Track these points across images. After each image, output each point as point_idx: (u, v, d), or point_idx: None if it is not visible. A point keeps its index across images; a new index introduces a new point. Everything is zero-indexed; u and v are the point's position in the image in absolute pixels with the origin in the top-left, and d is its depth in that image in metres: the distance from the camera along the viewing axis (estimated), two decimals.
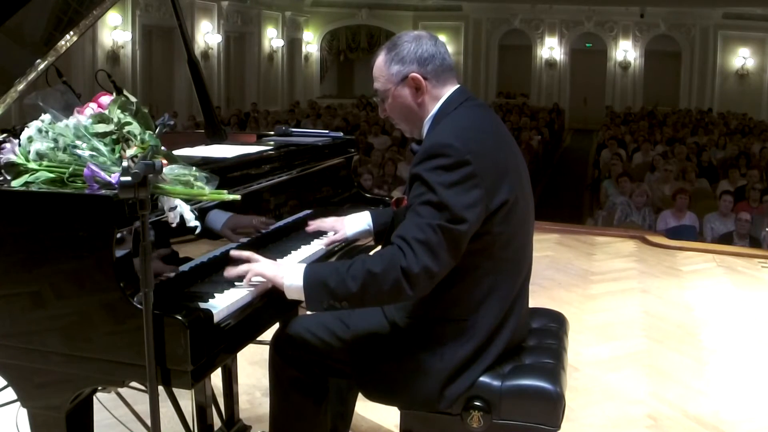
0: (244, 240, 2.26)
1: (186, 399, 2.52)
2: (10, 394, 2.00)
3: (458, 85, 2.12)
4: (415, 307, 2.06)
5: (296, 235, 2.53)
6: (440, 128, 2.04)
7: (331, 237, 2.49)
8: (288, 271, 1.99)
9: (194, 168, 1.86)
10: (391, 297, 1.92)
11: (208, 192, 1.84)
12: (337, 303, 1.94)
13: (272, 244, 2.41)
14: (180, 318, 1.67)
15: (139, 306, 1.67)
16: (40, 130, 1.84)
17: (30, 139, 1.84)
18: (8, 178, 1.84)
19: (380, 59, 2.11)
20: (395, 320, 2.08)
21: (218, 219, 2.15)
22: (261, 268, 2.01)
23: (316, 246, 2.46)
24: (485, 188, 1.94)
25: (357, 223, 2.51)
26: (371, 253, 2.13)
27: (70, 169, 1.79)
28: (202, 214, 2.01)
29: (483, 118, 2.10)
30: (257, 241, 2.33)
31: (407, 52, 2.06)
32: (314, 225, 2.50)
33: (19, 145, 1.85)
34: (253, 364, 3.67)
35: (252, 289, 1.98)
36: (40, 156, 1.82)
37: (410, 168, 2.01)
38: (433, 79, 2.08)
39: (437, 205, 1.90)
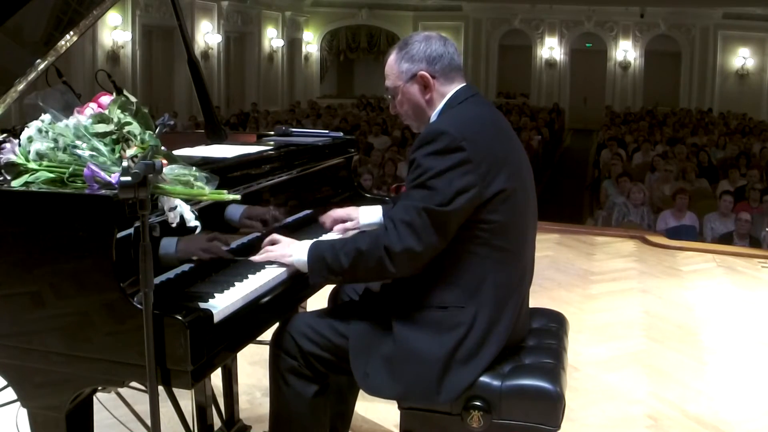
0: (243, 241, 2.26)
1: (186, 399, 2.51)
2: (10, 394, 2.00)
3: (465, 83, 2.18)
4: (413, 296, 2.08)
5: (308, 229, 2.58)
6: (440, 119, 2.13)
7: (347, 224, 2.57)
8: (296, 249, 2.16)
9: (194, 168, 1.86)
10: (377, 274, 2.06)
11: (208, 192, 1.84)
12: (333, 276, 2.11)
13: None
14: (180, 318, 1.67)
15: (139, 306, 1.68)
16: (40, 130, 1.85)
17: (30, 139, 1.84)
18: (8, 178, 1.84)
19: (392, 58, 2.18)
20: (394, 311, 2.09)
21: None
22: (272, 251, 2.18)
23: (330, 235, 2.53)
24: (479, 175, 1.99)
25: (371, 215, 2.58)
26: None
27: (70, 169, 1.79)
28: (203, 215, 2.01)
29: (484, 112, 2.16)
30: (257, 241, 2.32)
31: (417, 51, 2.14)
32: (330, 217, 2.58)
33: (19, 145, 1.85)
34: (253, 364, 3.67)
35: (253, 288, 1.99)
36: (40, 156, 1.82)
37: (409, 153, 2.09)
38: (441, 78, 2.15)
39: (427, 189, 1.98)
